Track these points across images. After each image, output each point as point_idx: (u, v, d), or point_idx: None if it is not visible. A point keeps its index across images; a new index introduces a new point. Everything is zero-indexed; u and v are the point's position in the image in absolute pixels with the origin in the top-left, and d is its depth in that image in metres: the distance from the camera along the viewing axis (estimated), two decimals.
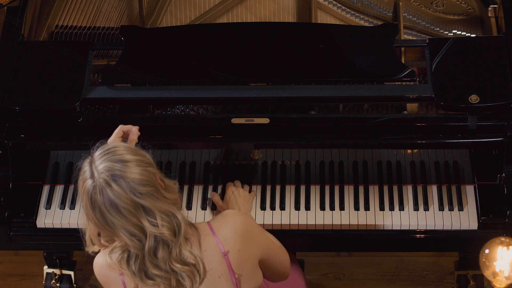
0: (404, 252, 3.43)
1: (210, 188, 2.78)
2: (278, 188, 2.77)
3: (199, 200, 2.76)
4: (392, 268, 3.42)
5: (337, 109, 2.85)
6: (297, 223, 2.70)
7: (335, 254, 3.47)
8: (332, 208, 2.72)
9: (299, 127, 2.68)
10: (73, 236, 2.56)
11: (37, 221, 2.73)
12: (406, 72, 2.70)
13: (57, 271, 3.13)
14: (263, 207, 2.73)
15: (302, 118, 2.71)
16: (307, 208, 2.72)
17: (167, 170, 2.76)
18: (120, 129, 2.37)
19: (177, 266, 2.10)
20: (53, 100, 2.70)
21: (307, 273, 3.08)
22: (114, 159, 2.05)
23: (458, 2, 3.05)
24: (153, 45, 2.83)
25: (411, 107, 2.82)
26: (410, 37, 2.98)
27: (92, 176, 2.05)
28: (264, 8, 3.05)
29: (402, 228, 2.69)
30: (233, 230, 2.18)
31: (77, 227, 2.66)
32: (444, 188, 2.74)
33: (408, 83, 2.71)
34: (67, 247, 2.87)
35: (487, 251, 2.36)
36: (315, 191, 2.76)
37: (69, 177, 2.80)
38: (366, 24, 3.02)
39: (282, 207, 2.73)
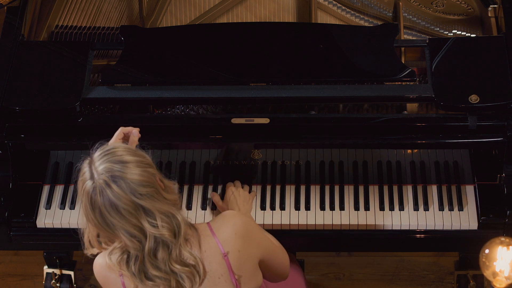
0: (404, 252, 3.43)
1: (210, 188, 2.78)
2: (278, 188, 2.77)
3: (199, 200, 2.76)
4: (392, 268, 3.42)
5: (337, 109, 2.85)
6: (297, 223, 2.70)
7: (335, 254, 3.47)
8: (332, 208, 2.72)
9: (299, 127, 2.68)
10: (73, 236, 2.56)
11: (37, 221, 2.73)
12: (406, 72, 2.70)
13: (57, 271, 3.13)
14: (263, 207, 2.73)
15: (302, 118, 2.71)
16: (307, 208, 2.72)
17: (167, 170, 2.76)
18: (120, 131, 2.37)
19: (177, 267, 2.10)
20: (53, 100, 2.70)
21: (307, 273, 3.08)
22: (113, 160, 2.05)
23: (458, 2, 3.05)
24: (153, 45, 2.83)
25: (411, 107, 2.82)
26: (410, 37, 2.97)
27: (92, 177, 2.05)
28: (264, 8, 3.05)
29: (402, 228, 2.69)
30: (233, 231, 2.18)
31: (77, 227, 2.66)
32: (444, 188, 2.74)
33: (408, 83, 2.71)
34: (67, 247, 2.87)
35: (487, 251, 2.36)
36: (315, 191, 2.76)
37: (69, 177, 2.80)
38: (366, 24, 3.02)
39: (282, 207, 2.73)
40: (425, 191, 2.74)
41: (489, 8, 2.95)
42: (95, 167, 2.05)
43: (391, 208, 2.71)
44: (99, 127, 2.69)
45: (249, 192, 2.75)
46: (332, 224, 2.70)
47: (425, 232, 2.69)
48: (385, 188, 2.75)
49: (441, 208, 2.71)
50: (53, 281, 3.12)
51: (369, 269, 3.43)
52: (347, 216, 2.70)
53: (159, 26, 3.03)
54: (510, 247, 2.34)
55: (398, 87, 2.71)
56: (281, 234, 2.62)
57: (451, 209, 2.70)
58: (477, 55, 2.76)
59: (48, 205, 2.75)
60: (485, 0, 2.97)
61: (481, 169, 2.73)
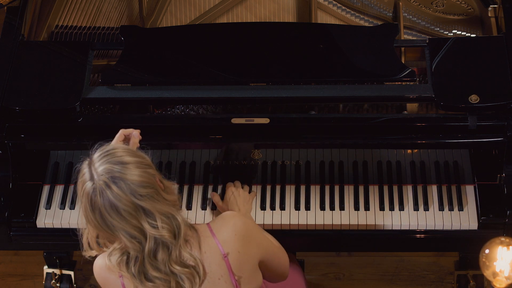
0: (404, 252, 3.43)
1: (210, 188, 2.78)
2: (278, 188, 2.77)
3: (199, 200, 2.76)
4: (392, 268, 3.42)
5: (337, 109, 2.85)
6: (297, 223, 2.70)
7: (335, 254, 3.47)
8: (332, 208, 2.72)
9: (299, 127, 2.68)
10: (73, 236, 2.56)
11: (37, 221, 2.73)
12: (406, 72, 2.70)
13: (57, 271, 3.13)
14: (263, 207, 2.73)
15: (302, 118, 2.71)
16: (307, 208, 2.72)
17: (167, 171, 2.76)
18: (121, 133, 2.36)
19: (177, 268, 2.10)
20: (53, 100, 2.70)
21: (307, 273, 3.08)
22: (113, 161, 2.05)
23: (458, 2, 3.05)
24: (153, 45, 2.83)
25: (411, 107, 2.81)
26: (410, 37, 2.97)
27: (91, 178, 2.05)
28: (264, 8, 3.05)
29: (402, 228, 2.69)
30: (233, 232, 2.18)
31: (77, 227, 2.65)
32: (444, 188, 2.74)
33: (408, 83, 2.71)
34: (67, 247, 2.86)
35: (487, 251, 2.36)
36: (315, 191, 2.76)
37: (69, 177, 2.80)
38: (366, 24, 3.02)
39: (282, 207, 2.73)
40: (425, 191, 2.74)
41: (489, 8, 2.95)
42: (95, 168, 2.05)
43: (391, 208, 2.71)
44: (99, 127, 2.69)
45: (249, 192, 2.75)
46: (332, 224, 2.70)
47: (425, 232, 2.69)
48: (385, 188, 2.75)
49: (441, 208, 2.71)
50: (53, 281, 3.12)
51: (369, 269, 3.43)
52: (347, 216, 2.70)
53: (159, 26, 3.02)
54: (510, 247, 2.34)
55: (398, 87, 2.71)
56: (281, 234, 2.63)
57: (451, 209, 2.70)
58: (477, 55, 2.76)
59: (48, 205, 2.75)
60: (485, 0, 2.97)
61: (481, 169, 2.73)
